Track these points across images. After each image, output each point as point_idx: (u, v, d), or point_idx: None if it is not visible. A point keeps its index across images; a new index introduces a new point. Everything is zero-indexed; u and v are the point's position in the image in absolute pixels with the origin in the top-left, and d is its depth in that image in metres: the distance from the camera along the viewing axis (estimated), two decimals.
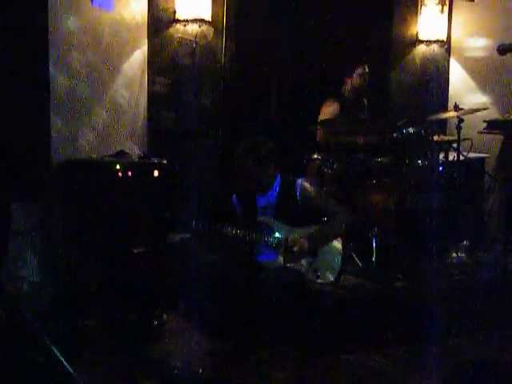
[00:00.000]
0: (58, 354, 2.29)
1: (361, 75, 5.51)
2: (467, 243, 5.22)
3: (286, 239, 3.98)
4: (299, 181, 4.13)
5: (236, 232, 3.97)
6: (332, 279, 4.01)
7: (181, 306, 4.29)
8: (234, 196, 4.28)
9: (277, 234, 4.01)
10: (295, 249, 3.94)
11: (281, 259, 3.97)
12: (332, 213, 4.08)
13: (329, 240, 4.04)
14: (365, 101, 5.70)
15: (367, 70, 5.52)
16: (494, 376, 3.37)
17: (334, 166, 5.02)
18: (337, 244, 4.07)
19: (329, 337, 3.93)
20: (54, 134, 4.54)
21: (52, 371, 2.31)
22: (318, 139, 5.40)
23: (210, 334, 3.95)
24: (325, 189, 4.92)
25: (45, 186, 4.48)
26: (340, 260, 4.04)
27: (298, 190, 4.08)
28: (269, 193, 4.14)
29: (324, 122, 5.38)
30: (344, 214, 4.13)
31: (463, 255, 5.06)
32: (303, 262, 3.98)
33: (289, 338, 3.83)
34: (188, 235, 4.64)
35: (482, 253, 5.17)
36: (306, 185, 4.14)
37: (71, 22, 4.72)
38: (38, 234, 4.39)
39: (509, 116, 5.48)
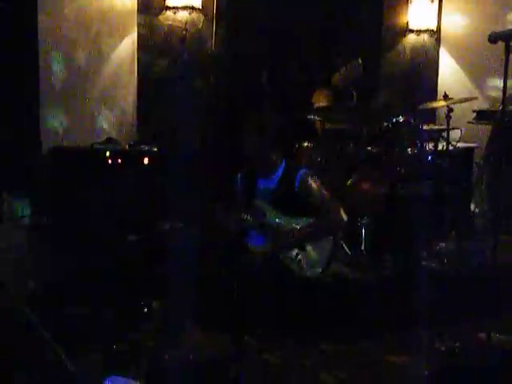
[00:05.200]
0: (50, 341, 2.29)
1: (354, 68, 5.50)
2: (455, 232, 5.25)
3: (277, 227, 3.96)
4: (301, 171, 3.99)
5: (228, 212, 3.95)
6: (315, 274, 3.92)
7: (171, 293, 4.30)
8: (239, 175, 4.24)
9: (268, 220, 3.98)
10: (283, 239, 3.92)
11: (268, 245, 3.95)
12: (327, 211, 3.94)
13: (319, 237, 3.94)
14: (353, 91, 5.69)
15: (361, 63, 5.52)
16: (480, 362, 3.41)
17: (324, 155, 5.03)
18: (326, 242, 3.97)
19: (318, 324, 3.96)
20: (43, 123, 4.52)
21: (44, 358, 2.32)
22: (315, 127, 5.38)
23: (200, 321, 3.96)
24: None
25: (35, 174, 4.47)
26: (326, 259, 3.95)
27: (298, 180, 3.95)
28: (271, 176, 4.06)
29: (317, 109, 5.39)
30: (340, 214, 3.97)
31: (451, 244, 5.09)
32: (290, 252, 3.94)
33: (278, 324, 3.84)
34: (178, 223, 4.64)
35: (470, 242, 5.20)
36: (307, 177, 3.99)
37: (60, 9, 4.69)
38: (28, 221, 4.39)
39: (497, 106, 5.50)
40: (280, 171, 4.05)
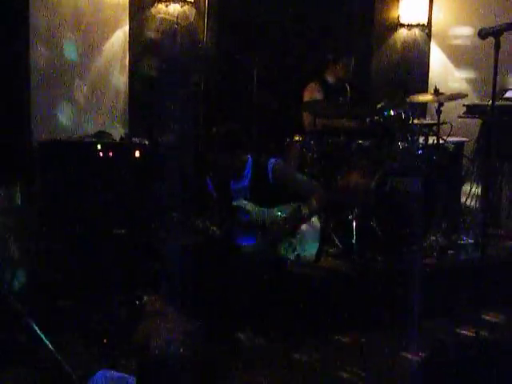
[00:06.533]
0: (40, 334, 2.29)
1: (347, 66, 5.52)
2: (445, 226, 5.27)
3: (263, 222, 3.99)
4: (271, 161, 4.09)
5: (209, 221, 3.99)
6: (312, 257, 4.02)
7: (162, 287, 4.30)
8: (209, 180, 4.27)
9: (253, 217, 4.01)
10: (273, 231, 3.94)
11: (259, 242, 3.98)
12: (306, 191, 4.06)
13: (306, 219, 4.03)
14: (347, 86, 5.72)
15: (353, 62, 5.55)
16: (470, 356, 3.43)
17: (315, 149, 5.03)
18: (315, 222, 4.07)
19: (309, 318, 3.97)
20: (34, 115, 4.51)
21: (34, 350, 2.32)
22: (304, 122, 5.40)
23: (190, 315, 3.96)
24: (306, 170, 4.94)
25: (25, 168, 4.46)
26: (319, 238, 4.05)
27: (270, 170, 4.04)
28: (242, 176, 4.13)
29: (307, 104, 5.39)
30: (318, 191, 4.12)
31: (441, 238, 5.11)
32: (282, 242, 3.97)
33: (269, 319, 3.85)
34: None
35: (459, 235, 5.23)
36: (278, 165, 4.10)
37: (52, 1, 4.67)
38: (18, 214, 4.38)
39: (488, 100, 5.52)
40: (249, 168, 4.10)
